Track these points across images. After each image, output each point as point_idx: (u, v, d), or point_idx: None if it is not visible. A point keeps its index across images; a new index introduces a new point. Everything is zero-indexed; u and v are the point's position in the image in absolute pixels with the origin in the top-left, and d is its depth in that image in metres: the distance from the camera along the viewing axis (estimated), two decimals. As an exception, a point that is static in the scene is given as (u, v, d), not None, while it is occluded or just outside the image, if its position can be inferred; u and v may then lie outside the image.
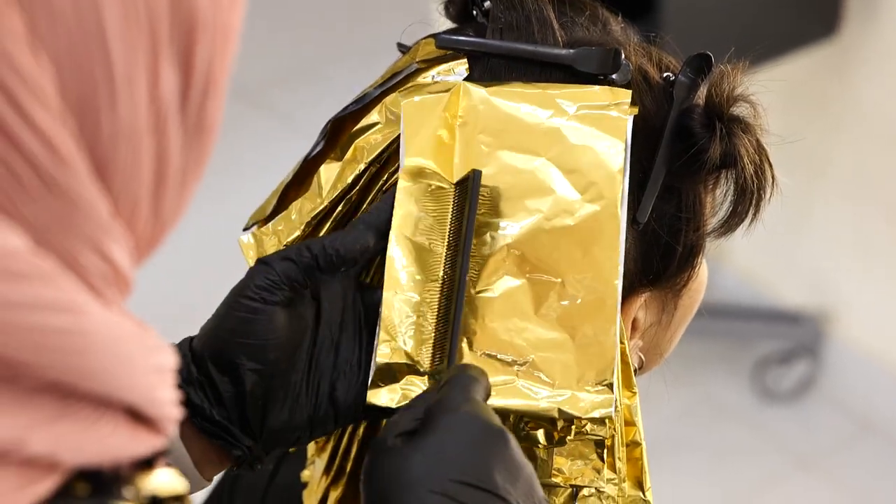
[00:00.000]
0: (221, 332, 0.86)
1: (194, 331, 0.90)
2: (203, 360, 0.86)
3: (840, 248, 2.81)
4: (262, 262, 0.87)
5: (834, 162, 2.73)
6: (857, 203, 2.73)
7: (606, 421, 0.88)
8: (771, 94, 0.97)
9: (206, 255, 2.97)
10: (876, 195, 2.70)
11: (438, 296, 0.88)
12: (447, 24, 0.99)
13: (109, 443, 0.56)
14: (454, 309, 0.87)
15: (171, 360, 0.59)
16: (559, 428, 0.88)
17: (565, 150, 0.89)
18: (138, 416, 0.58)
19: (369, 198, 0.94)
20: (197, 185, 0.60)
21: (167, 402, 0.59)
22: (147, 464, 0.59)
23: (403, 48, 0.98)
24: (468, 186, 0.89)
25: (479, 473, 0.77)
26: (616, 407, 0.88)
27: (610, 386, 0.86)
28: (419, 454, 0.78)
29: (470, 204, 0.88)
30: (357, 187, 0.93)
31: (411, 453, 0.78)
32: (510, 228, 0.89)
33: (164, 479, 0.60)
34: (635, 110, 0.90)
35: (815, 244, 2.85)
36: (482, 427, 0.79)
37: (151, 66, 0.54)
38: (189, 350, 0.87)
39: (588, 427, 0.89)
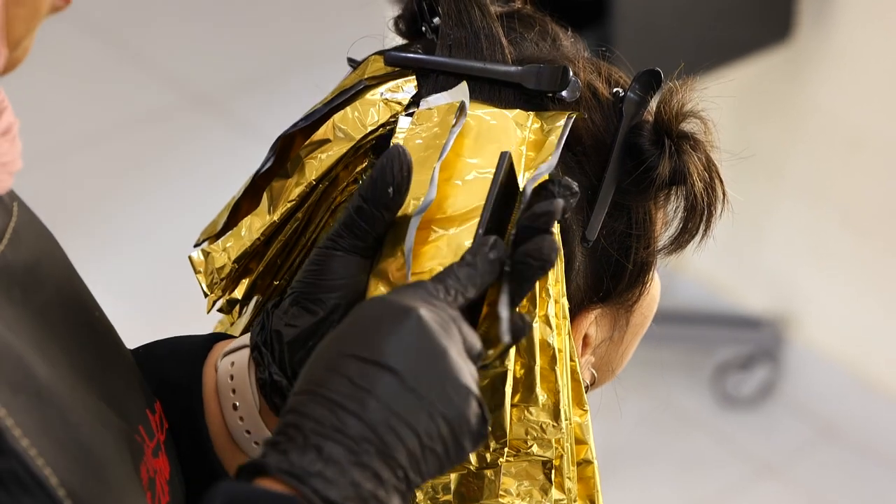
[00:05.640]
0: (296, 283, 0.87)
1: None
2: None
3: (798, 252, 2.81)
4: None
5: (790, 166, 2.74)
6: (815, 207, 2.74)
7: (553, 442, 0.88)
8: (726, 100, 0.97)
9: (167, 263, 2.95)
10: (832, 198, 2.71)
11: None
12: (400, 38, 0.99)
13: None
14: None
15: None
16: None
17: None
18: None
19: (318, 216, 0.93)
20: None
21: None
22: None
23: (353, 63, 0.98)
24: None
25: (367, 345, 0.77)
26: (563, 419, 0.87)
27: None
28: (325, 338, 0.79)
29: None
30: (305, 205, 0.92)
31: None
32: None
33: None
34: (574, 115, 0.90)
35: (774, 248, 2.85)
36: (385, 305, 0.79)
37: None
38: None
39: (533, 448, 0.88)
